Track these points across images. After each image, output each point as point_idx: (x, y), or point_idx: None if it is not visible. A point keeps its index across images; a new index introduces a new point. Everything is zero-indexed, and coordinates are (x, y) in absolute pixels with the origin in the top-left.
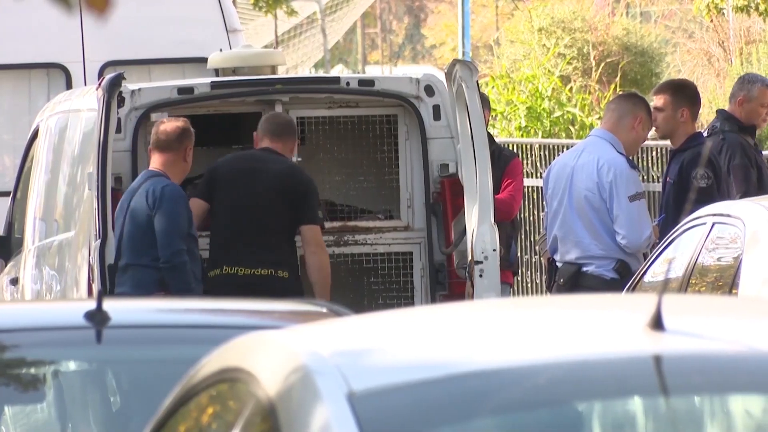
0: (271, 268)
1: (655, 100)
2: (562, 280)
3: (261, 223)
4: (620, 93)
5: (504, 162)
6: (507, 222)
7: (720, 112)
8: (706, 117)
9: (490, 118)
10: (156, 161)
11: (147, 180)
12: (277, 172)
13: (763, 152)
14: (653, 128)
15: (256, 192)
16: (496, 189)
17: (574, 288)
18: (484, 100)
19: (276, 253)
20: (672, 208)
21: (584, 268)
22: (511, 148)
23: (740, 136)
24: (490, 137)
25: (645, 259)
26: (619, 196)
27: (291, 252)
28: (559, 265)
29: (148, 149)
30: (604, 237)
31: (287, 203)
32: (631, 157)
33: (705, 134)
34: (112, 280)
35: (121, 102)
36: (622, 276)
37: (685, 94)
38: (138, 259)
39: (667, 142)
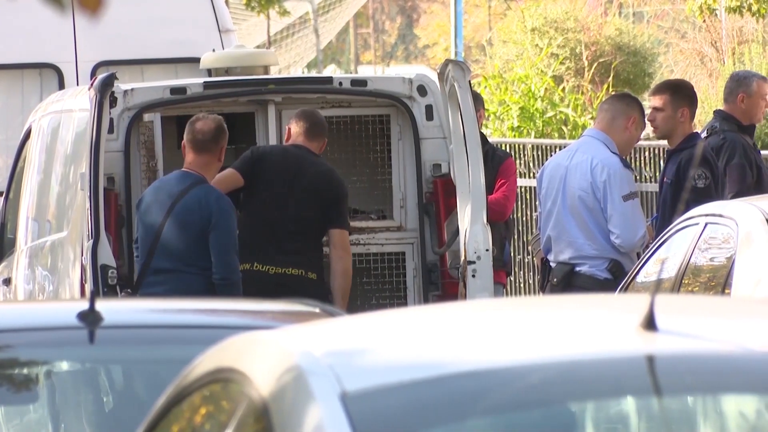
0: (302, 269)
1: (654, 101)
2: (555, 280)
3: (296, 224)
4: (613, 93)
5: (497, 162)
6: (500, 222)
7: (718, 113)
8: (697, 117)
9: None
10: (193, 161)
11: (194, 186)
12: (317, 175)
13: (762, 152)
14: (651, 129)
15: (295, 193)
16: (490, 189)
17: (567, 288)
18: (478, 99)
19: (307, 255)
20: (669, 208)
21: (577, 268)
22: (503, 148)
23: (741, 136)
24: (483, 137)
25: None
26: (613, 196)
27: (320, 255)
28: (552, 265)
29: (182, 145)
30: (597, 237)
31: (321, 206)
32: (625, 158)
33: (704, 134)
34: (138, 281)
35: (113, 102)
36: (616, 276)
37: (684, 93)
38: (184, 267)
39: (660, 143)
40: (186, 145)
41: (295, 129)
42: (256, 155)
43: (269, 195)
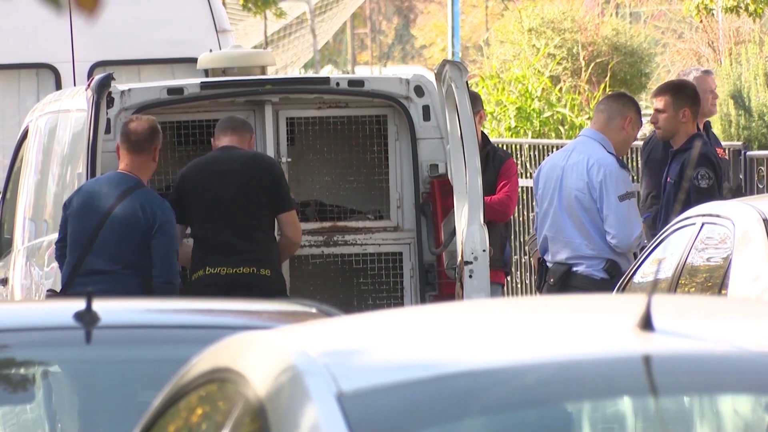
0: (253, 267)
1: (656, 102)
2: (552, 281)
3: (240, 220)
4: (609, 93)
5: (498, 162)
6: (500, 222)
7: None
8: None
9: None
10: (128, 163)
11: (133, 189)
12: (245, 166)
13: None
14: (658, 130)
15: (231, 190)
16: (491, 190)
17: (564, 288)
18: (477, 100)
19: (257, 251)
20: (672, 207)
21: (574, 268)
22: (501, 148)
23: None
24: (485, 138)
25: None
26: (609, 196)
27: (271, 248)
28: (549, 265)
29: (116, 146)
30: (594, 237)
31: (262, 194)
32: (622, 158)
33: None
34: (69, 281)
35: (110, 102)
36: (612, 276)
37: (685, 94)
38: (121, 268)
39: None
40: (120, 147)
41: (216, 135)
42: (175, 189)
43: (202, 202)
